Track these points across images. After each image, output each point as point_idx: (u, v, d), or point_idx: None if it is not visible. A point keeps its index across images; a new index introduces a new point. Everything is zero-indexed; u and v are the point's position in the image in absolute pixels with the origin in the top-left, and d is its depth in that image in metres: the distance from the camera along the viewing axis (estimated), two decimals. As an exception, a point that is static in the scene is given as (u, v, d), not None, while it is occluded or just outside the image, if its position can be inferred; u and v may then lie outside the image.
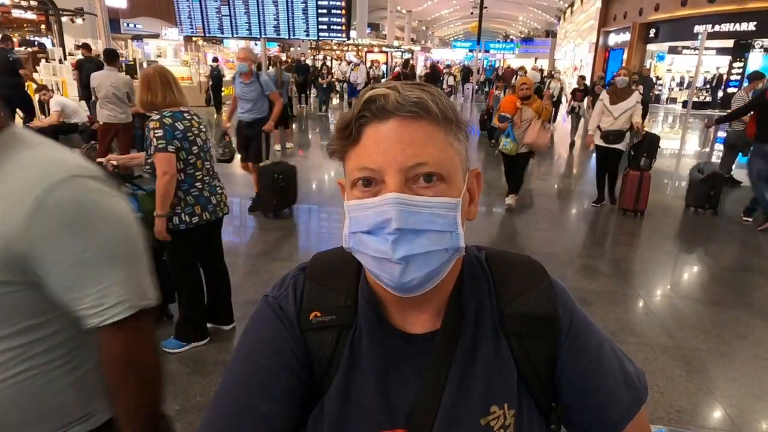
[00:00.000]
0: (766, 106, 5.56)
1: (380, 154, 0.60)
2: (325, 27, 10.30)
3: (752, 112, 5.81)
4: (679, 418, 2.57)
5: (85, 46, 9.31)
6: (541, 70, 13.34)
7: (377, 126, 0.61)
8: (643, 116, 12.33)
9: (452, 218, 0.62)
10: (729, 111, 6.66)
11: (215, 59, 16.09)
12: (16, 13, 17.28)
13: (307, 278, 0.74)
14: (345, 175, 0.67)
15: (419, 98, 0.61)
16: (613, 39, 23.32)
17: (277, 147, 9.16)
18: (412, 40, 45.96)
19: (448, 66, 26.82)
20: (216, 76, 14.77)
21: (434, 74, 18.21)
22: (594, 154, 6.49)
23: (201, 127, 2.83)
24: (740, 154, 7.47)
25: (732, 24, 15.89)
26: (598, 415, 0.72)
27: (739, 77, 16.97)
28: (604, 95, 5.88)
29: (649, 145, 5.82)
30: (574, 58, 31.39)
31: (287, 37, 10.63)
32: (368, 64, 18.93)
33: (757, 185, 5.69)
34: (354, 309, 0.71)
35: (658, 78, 21.18)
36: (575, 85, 11.83)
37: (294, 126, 11.42)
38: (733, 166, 7.61)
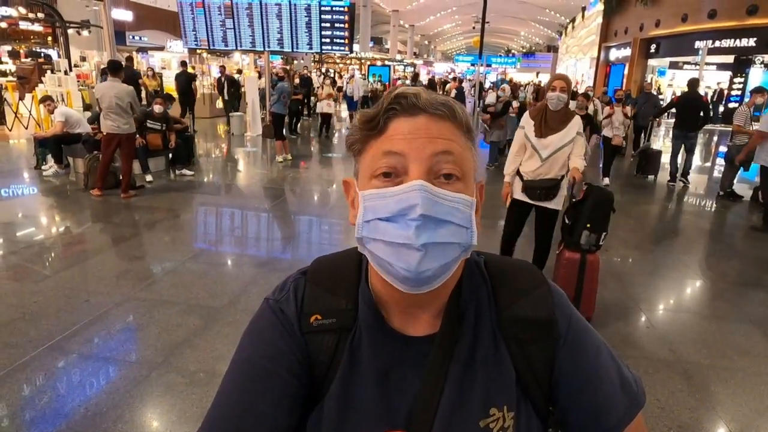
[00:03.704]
0: (678, 105, 8.54)
1: (407, 142, 0.63)
2: (328, 40, 10.42)
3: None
4: (680, 434, 2.54)
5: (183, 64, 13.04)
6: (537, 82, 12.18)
7: (406, 119, 0.64)
8: (647, 137, 11.13)
9: (469, 215, 0.64)
10: (660, 109, 10.24)
11: (239, 70, 16.46)
12: (24, 25, 17.47)
13: (308, 281, 0.75)
14: (359, 170, 0.69)
15: (446, 101, 0.65)
16: (615, 54, 23.48)
17: (280, 158, 9.19)
18: (415, 54, 46.33)
19: (458, 79, 24.74)
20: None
21: (431, 87, 18.34)
22: (508, 215, 3.94)
23: None
24: (741, 168, 7.49)
25: (732, 40, 15.99)
26: (596, 419, 0.72)
27: (739, 92, 17.05)
28: (526, 120, 3.67)
29: (596, 207, 3.52)
30: (575, 72, 31.58)
31: (290, 50, 10.76)
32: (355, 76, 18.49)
33: (672, 156, 8.35)
34: (354, 312, 0.72)
35: (659, 92, 21.27)
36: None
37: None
38: (735, 180, 7.61)
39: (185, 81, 12.23)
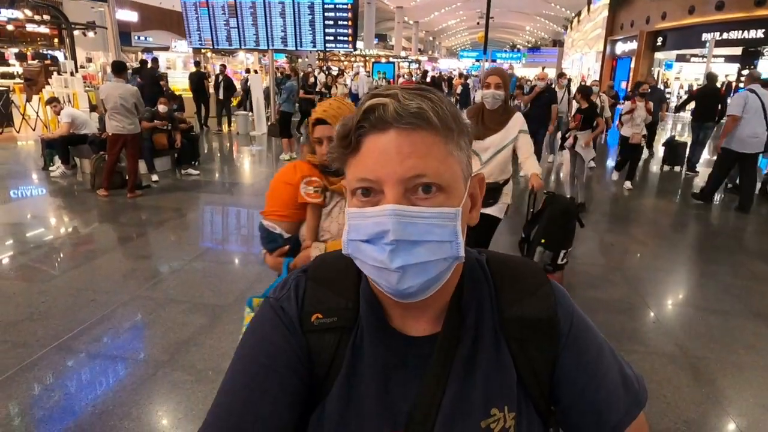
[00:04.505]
0: (696, 98, 8.83)
1: (379, 166, 0.60)
2: (331, 38, 10.40)
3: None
4: (686, 429, 2.53)
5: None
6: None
7: (376, 136, 0.61)
8: (651, 138, 10.06)
9: (452, 228, 0.62)
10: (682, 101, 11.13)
11: (247, 70, 16.49)
12: (30, 28, 17.59)
13: (309, 280, 0.75)
14: (346, 182, 0.67)
15: (419, 108, 0.60)
16: (621, 47, 23.27)
17: (286, 156, 9.21)
18: (420, 50, 46.18)
19: (464, 76, 22.55)
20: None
21: (435, 84, 18.31)
22: None
23: None
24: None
25: (740, 31, 15.79)
26: (598, 418, 0.72)
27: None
28: None
29: (553, 220, 3.17)
30: (581, 66, 31.38)
31: (294, 48, 10.75)
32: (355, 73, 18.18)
33: (694, 147, 8.89)
34: (355, 311, 0.72)
35: (666, 86, 21.06)
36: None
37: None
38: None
39: (198, 80, 12.46)
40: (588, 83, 13.52)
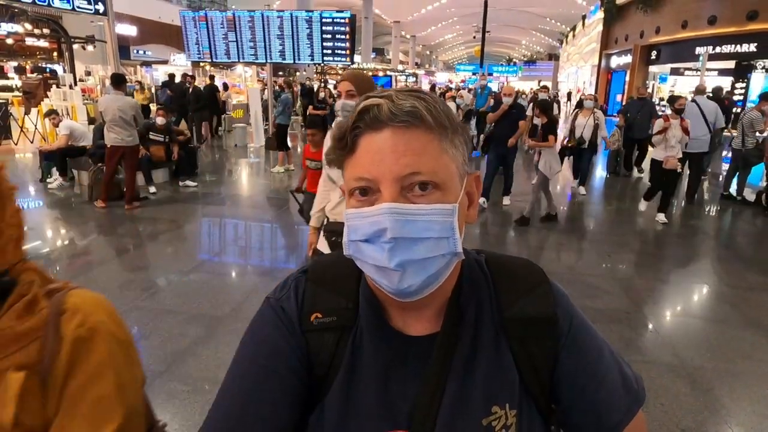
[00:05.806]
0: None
1: (375, 165, 0.61)
2: (329, 51, 10.49)
3: None
4: (684, 438, 2.52)
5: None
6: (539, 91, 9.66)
7: (372, 136, 0.62)
8: (642, 155, 9.32)
9: (449, 224, 0.63)
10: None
11: (211, 77, 16.60)
12: (29, 41, 17.72)
13: (308, 280, 0.75)
14: (344, 182, 0.68)
15: (413, 107, 0.61)
16: (615, 61, 23.54)
17: (281, 169, 9.23)
18: (417, 64, 46.58)
19: (458, 88, 21.07)
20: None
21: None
22: None
23: None
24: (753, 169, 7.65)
25: (733, 45, 16.00)
26: (598, 417, 0.72)
27: (741, 98, 17.02)
28: (326, 140, 3.03)
29: None
30: (576, 80, 31.67)
31: (292, 61, 10.82)
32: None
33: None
34: (355, 311, 0.72)
35: (661, 99, 21.22)
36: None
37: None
38: (734, 182, 7.67)
39: (211, 93, 12.67)
40: (580, 97, 12.91)
